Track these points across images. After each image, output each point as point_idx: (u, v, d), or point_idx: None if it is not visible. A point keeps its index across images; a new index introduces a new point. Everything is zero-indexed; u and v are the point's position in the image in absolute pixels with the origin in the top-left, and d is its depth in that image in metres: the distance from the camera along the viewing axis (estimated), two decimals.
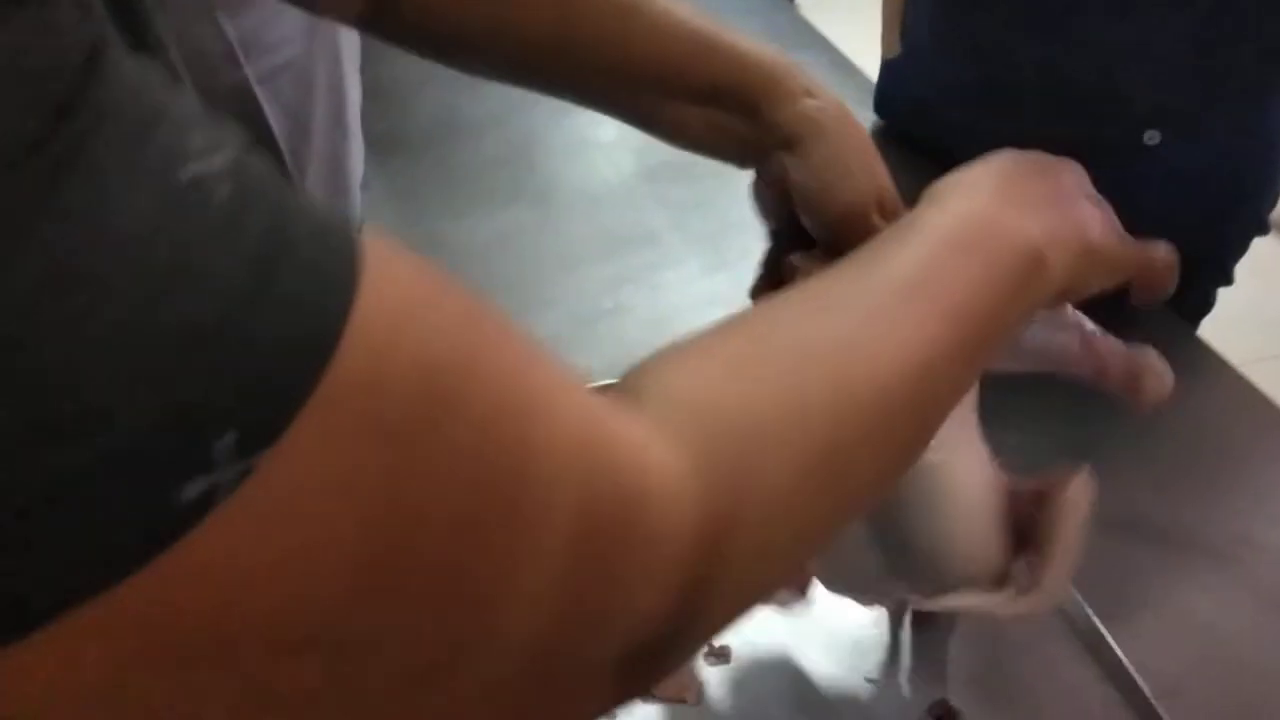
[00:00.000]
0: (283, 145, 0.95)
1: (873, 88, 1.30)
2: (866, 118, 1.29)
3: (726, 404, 0.33)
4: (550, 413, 0.27)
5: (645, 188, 1.19)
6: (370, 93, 1.15)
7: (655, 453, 0.29)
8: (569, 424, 0.27)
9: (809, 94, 0.59)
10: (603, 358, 0.96)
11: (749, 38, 0.60)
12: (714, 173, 1.20)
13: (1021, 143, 1.07)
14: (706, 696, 0.66)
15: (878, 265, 0.42)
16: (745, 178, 1.20)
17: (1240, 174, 1.01)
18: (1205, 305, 1.08)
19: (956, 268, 0.42)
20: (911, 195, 1.21)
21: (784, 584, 0.57)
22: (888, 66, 1.24)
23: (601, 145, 1.27)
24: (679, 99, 0.60)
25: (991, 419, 0.87)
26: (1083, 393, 0.91)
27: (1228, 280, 1.07)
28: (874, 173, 0.61)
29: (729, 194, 1.20)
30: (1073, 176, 0.53)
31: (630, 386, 0.34)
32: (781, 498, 0.33)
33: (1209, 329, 1.04)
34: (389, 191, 1.19)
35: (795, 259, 0.60)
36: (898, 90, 1.24)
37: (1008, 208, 0.45)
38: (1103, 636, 0.69)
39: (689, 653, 0.35)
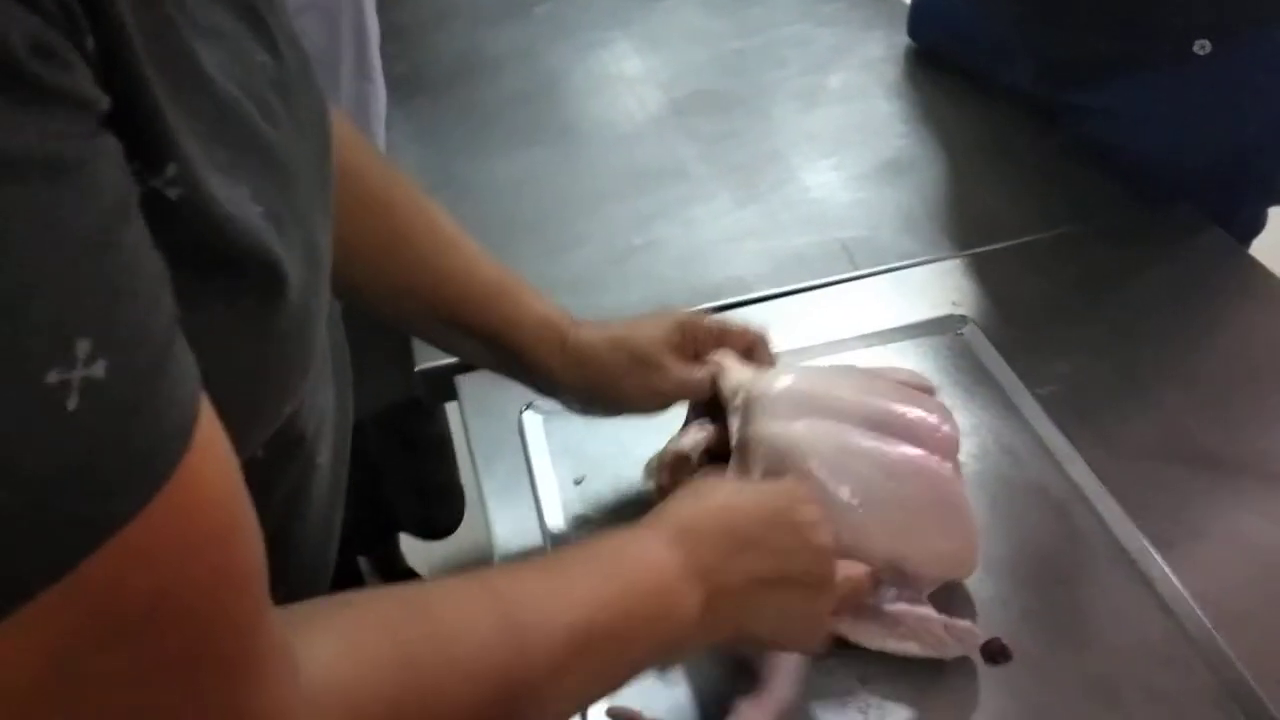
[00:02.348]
0: None
1: (905, 10, 1.25)
2: (899, 40, 1.25)
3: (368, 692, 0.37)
4: (228, 687, 0.31)
5: (673, 121, 1.16)
6: (389, 33, 1.12)
7: None
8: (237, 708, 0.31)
9: (544, 343, 0.67)
10: (635, 294, 0.94)
11: (532, 296, 0.68)
12: (742, 104, 1.18)
13: (1063, 57, 1.03)
14: None
15: (565, 594, 0.46)
16: (774, 107, 1.17)
17: None
18: (1256, 225, 1.04)
19: (625, 630, 0.48)
20: (944, 118, 1.17)
21: None
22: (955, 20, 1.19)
23: (627, 79, 1.24)
24: (462, 333, 0.68)
25: (1043, 348, 0.85)
26: (1133, 319, 0.88)
27: (1277, 199, 1.03)
28: (651, 375, 0.68)
29: (758, 125, 1.16)
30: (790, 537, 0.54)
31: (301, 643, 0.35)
32: None
33: (1265, 252, 1.00)
34: (411, 133, 1.16)
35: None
36: (933, 11, 1.20)
37: (688, 582, 0.50)
38: (1159, 566, 0.67)
39: None
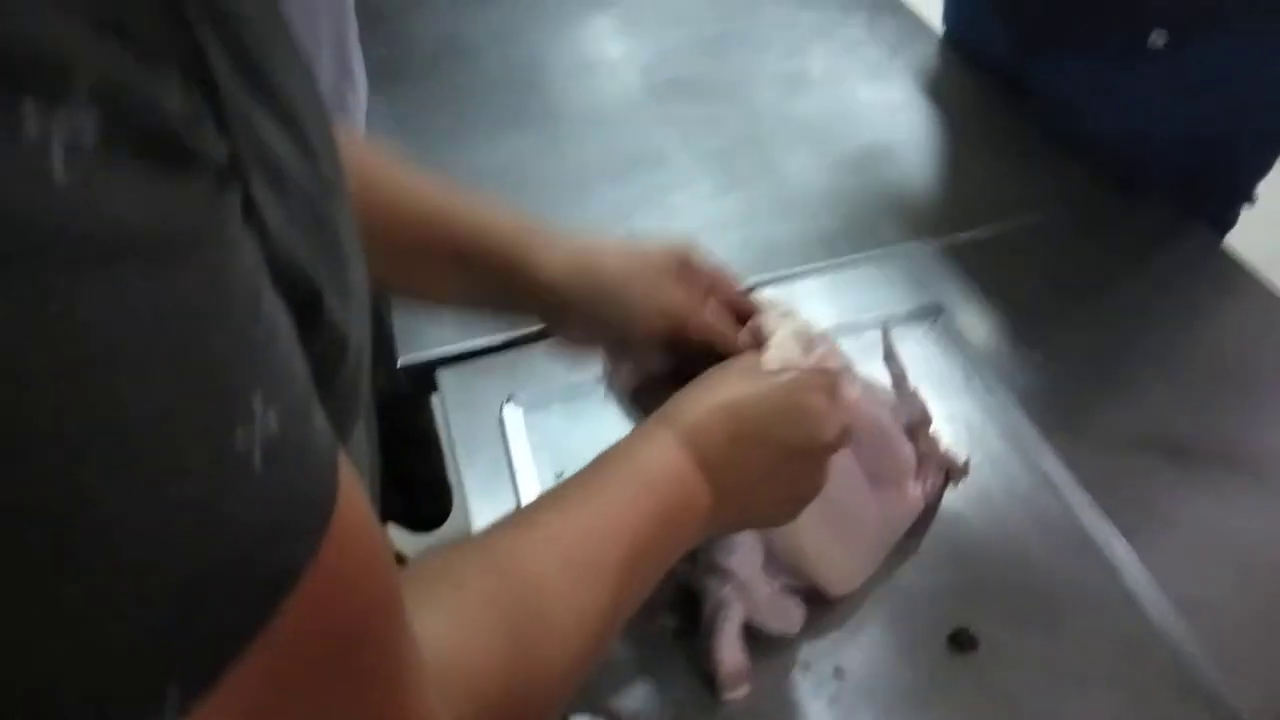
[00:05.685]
0: None
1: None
2: (880, 23, 1.25)
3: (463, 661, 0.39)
4: (386, 701, 0.32)
5: (654, 106, 1.16)
6: (367, 18, 1.11)
7: None
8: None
9: (549, 247, 0.62)
10: None
11: (494, 204, 0.64)
12: (723, 89, 1.18)
13: (1031, 42, 1.03)
14: None
15: (588, 511, 0.50)
16: (755, 93, 1.17)
17: (1252, 89, 0.96)
18: (1227, 219, 1.04)
19: (662, 539, 0.51)
20: (923, 103, 1.16)
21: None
22: None
23: (608, 63, 1.24)
24: (431, 258, 0.62)
25: (1018, 336, 0.86)
26: (1106, 309, 0.89)
27: (1247, 198, 1.03)
28: (645, 294, 0.64)
29: (738, 111, 1.17)
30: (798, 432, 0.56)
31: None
32: None
33: (1241, 246, 1.00)
34: (391, 120, 1.16)
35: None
36: (956, 6, 1.20)
37: (699, 482, 0.53)
38: (1125, 555, 0.69)
39: None
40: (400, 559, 1.58)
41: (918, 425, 0.72)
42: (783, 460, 0.55)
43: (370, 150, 0.62)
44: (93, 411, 0.21)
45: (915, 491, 0.70)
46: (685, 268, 0.65)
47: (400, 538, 1.58)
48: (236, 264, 0.24)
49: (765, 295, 0.70)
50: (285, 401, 0.25)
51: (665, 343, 0.62)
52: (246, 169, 0.26)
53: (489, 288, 0.62)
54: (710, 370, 0.58)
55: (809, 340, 0.65)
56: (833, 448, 0.57)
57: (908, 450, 0.70)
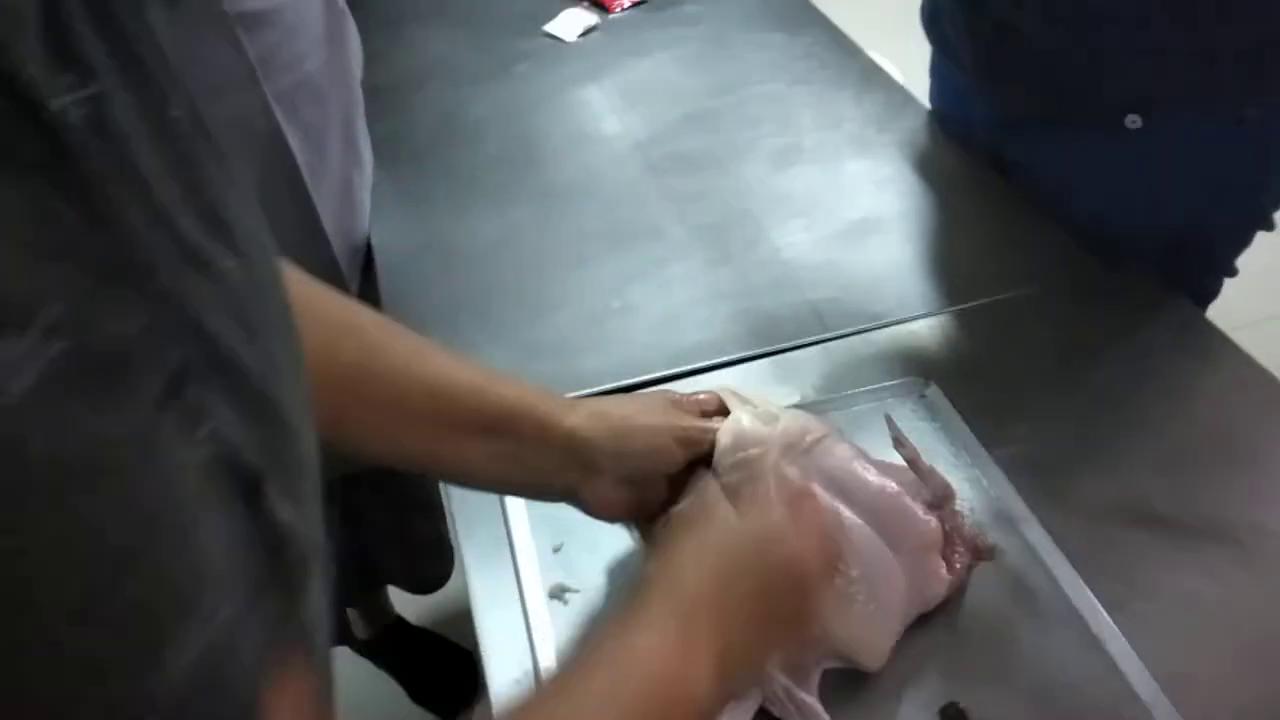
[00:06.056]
0: (302, 169, 0.95)
1: (874, 67, 1.30)
2: (868, 98, 1.29)
3: None
4: None
5: (649, 181, 1.19)
6: (370, 94, 1.15)
7: None
8: None
9: (572, 409, 0.67)
10: (614, 358, 0.97)
11: (508, 376, 0.68)
12: (716, 163, 1.22)
13: (1013, 123, 1.06)
14: None
15: (604, 709, 0.50)
16: (747, 167, 1.20)
17: (1228, 171, 0.99)
18: (1208, 292, 1.07)
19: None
20: (911, 177, 1.19)
21: None
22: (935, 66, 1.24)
23: (604, 138, 1.27)
24: (463, 431, 0.65)
25: (1003, 409, 0.88)
26: (1091, 381, 0.91)
27: (1228, 271, 1.06)
28: (659, 454, 0.68)
29: (731, 185, 1.20)
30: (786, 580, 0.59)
31: None
32: None
33: (1221, 318, 1.02)
34: (394, 194, 1.19)
35: None
36: (940, 83, 1.24)
37: (696, 660, 0.54)
38: (1110, 627, 0.70)
39: None
40: (401, 623, 1.60)
41: (943, 501, 0.73)
42: (770, 602, 0.58)
43: (378, 325, 0.65)
44: (12, 645, 0.21)
45: (940, 568, 0.71)
46: (676, 401, 0.71)
47: (402, 597, 1.59)
48: (171, 487, 0.24)
49: (725, 385, 0.73)
50: (208, 631, 0.25)
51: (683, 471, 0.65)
52: (195, 372, 0.25)
53: (522, 454, 0.65)
54: (682, 530, 0.61)
55: (771, 416, 0.69)
56: (813, 591, 0.60)
57: (924, 519, 0.71)
